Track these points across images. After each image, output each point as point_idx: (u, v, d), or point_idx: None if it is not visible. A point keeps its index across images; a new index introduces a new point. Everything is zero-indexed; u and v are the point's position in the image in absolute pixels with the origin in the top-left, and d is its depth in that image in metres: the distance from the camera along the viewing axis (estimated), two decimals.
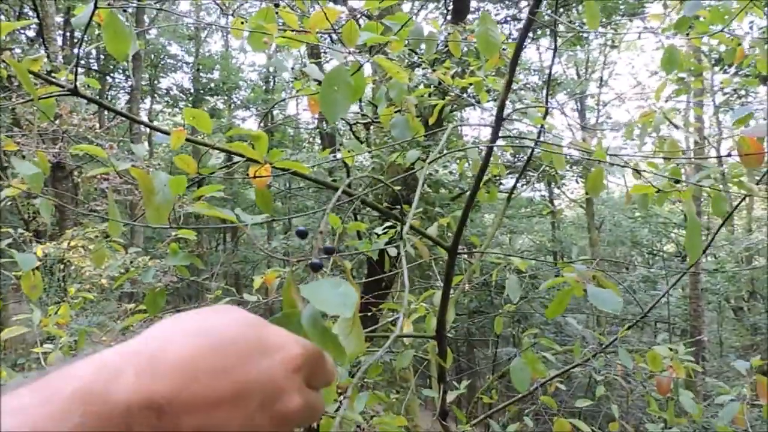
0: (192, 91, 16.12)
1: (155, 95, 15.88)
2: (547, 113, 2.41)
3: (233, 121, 16.00)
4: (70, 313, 3.03)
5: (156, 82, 15.98)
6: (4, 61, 1.54)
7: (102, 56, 14.12)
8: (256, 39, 1.38)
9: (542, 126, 2.29)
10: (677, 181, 1.89)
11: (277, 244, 11.64)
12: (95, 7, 1.21)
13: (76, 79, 1.45)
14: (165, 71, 15.96)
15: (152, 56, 15.16)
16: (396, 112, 2.01)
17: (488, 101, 3.43)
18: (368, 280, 5.27)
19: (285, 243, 12.63)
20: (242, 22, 1.61)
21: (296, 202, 16.01)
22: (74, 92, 1.48)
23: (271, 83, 17.44)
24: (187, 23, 15.23)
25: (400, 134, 1.95)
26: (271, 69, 17.24)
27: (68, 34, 12.80)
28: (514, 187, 3.63)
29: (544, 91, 2.60)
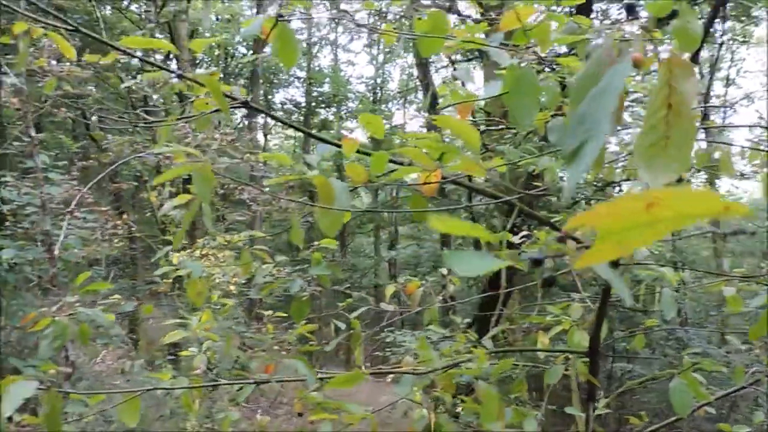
0: (304, 104, 16.71)
1: (270, 109, 16.60)
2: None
3: (342, 131, 16.39)
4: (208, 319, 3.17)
5: (270, 96, 16.68)
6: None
7: (222, 75, 14.93)
8: (427, 44, 1.36)
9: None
10: None
11: (394, 254, 11.72)
12: (278, 21, 1.23)
13: (248, 93, 1.49)
14: (279, 86, 16.64)
15: (267, 73, 15.85)
16: (553, 116, 1.92)
17: None
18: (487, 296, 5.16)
19: (397, 252, 12.72)
20: (397, 28, 1.59)
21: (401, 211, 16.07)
22: (245, 105, 1.52)
23: (378, 94, 17.72)
24: (302, 39, 15.82)
25: (558, 140, 1.86)
26: (378, 80, 17.53)
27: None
28: None
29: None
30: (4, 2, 1.51)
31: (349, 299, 3.58)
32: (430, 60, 12.79)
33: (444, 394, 2.28)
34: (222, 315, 2.91)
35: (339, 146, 1.43)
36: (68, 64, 3.75)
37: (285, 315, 3.33)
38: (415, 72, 15.10)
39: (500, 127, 2.37)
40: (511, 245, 2.84)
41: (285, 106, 16.85)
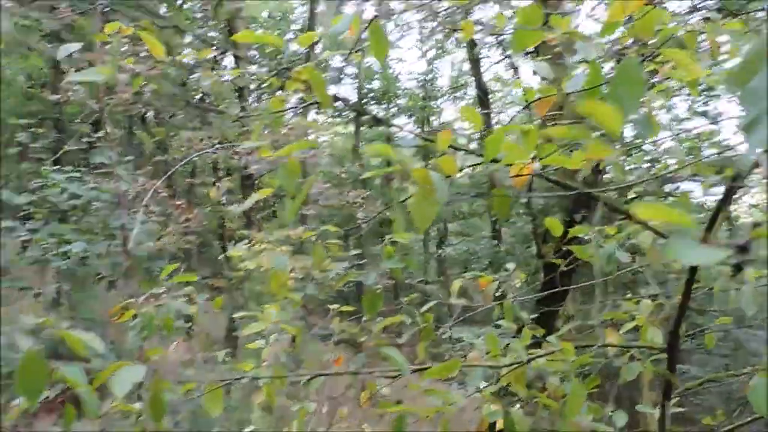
0: (354, 101, 16.84)
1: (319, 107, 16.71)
2: None
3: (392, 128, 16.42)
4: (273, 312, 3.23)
5: None
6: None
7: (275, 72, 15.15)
8: (521, 39, 1.35)
9: None
10: None
11: (445, 251, 11.69)
12: (374, 18, 1.25)
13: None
14: (329, 83, 16.81)
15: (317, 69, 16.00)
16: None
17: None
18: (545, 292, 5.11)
19: (446, 250, 12.68)
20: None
21: (452, 208, 16.01)
22: (339, 99, 1.54)
23: (428, 90, 17.69)
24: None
25: (642, 132, 1.83)
26: (428, 77, 17.49)
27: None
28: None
29: None
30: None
31: (413, 294, 3.60)
32: (481, 56, 12.68)
33: (518, 388, 2.27)
34: (294, 307, 2.96)
35: (429, 141, 1.44)
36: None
37: (352, 308, 3.36)
38: (466, 67, 15.02)
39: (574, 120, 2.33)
40: (568, 241, 2.80)
41: (336, 103, 16.97)
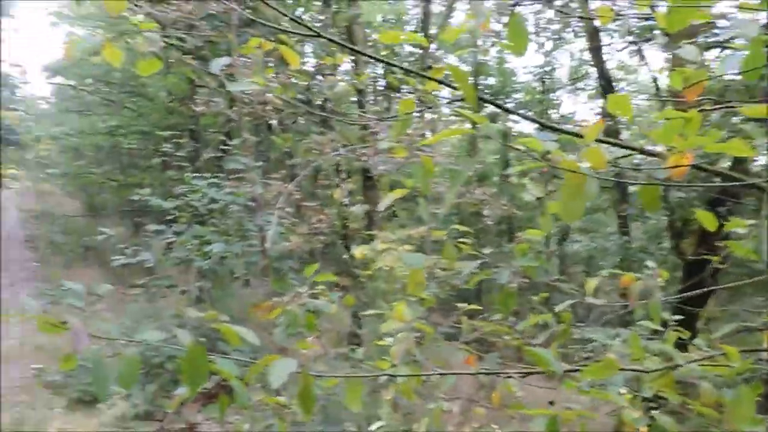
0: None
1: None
2: None
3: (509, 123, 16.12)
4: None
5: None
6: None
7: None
8: (676, 18, 1.27)
9: None
10: None
11: (569, 247, 11.31)
12: (512, 11, 1.21)
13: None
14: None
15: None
16: None
17: None
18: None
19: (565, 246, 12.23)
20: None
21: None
22: (483, 100, 1.53)
23: (546, 83, 17.15)
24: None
25: None
26: (546, 68, 16.95)
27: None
28: None
29: None
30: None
31: (544, 293, 3.49)
32: (603, 43, 12.10)
33: (668, 393, 2.13)
34: (427, 306, 2.98)
35: (576, 135, 1.39)
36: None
37: (479, 307, 3.33)
38: (586, 57, 14.41)
39: (725, 105, 2.15)
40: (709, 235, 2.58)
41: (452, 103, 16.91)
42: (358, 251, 6.34)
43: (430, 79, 1.89)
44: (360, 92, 6.49)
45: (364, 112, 7.17)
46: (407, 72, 1.63)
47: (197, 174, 6.03)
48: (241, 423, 4.62)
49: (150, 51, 1.94)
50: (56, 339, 6.58)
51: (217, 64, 1.85)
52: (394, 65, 1.78)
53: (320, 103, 10.22)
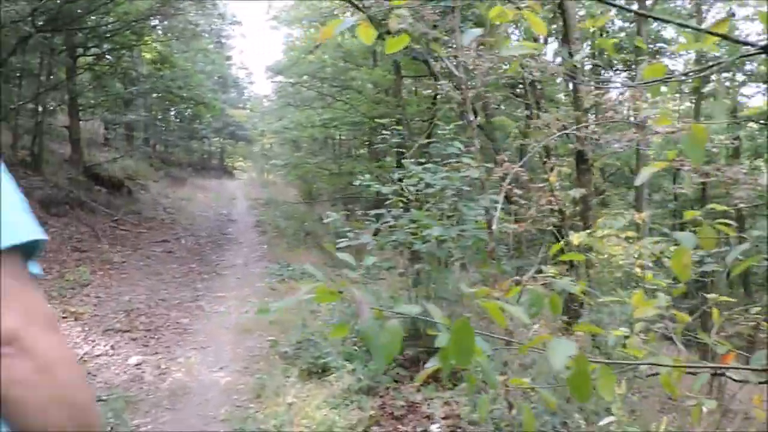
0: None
1: None
2: None
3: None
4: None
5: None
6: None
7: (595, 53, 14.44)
8: None
9: None
10: None
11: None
12: None
13: None
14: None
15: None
16: None
17: None
18: None
19: None
20: None
21: None
22: None
23: None
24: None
25: None
26: None
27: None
28: None
29: None
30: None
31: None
32: None
33: None
34: (675, 294, 2.71)
35: None
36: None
37: (730, 299, 2.95)
38: None
39: None
40: None
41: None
42: (576, 237, 6.03)
43: (712, 34, 1.66)
44: (572, 72, 6.14)
45: (577, 95, 6.79)
46: (682, 26, 1.43)
47: (413, 160, 6.18)
48: (462, 407, 4.65)
49: (399, 27, 1.96)
50: (287, 314, 7.22)
51: (471, 35, 1.82)
52: (667, 20, 1.58)
53: (528, 84, 9.94)
